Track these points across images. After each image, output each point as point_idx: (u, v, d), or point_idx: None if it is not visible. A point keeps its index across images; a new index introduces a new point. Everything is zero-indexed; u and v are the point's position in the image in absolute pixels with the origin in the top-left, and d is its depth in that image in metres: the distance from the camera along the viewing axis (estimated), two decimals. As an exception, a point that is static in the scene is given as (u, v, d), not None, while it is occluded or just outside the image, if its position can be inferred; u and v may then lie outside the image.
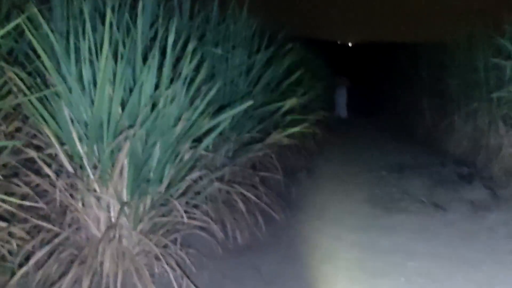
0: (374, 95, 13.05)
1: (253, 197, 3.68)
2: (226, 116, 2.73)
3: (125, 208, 2.36)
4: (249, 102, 2.87)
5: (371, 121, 11.61)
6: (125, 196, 2.38)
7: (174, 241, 2.55)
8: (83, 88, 2.37)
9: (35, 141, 2.50)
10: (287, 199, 4.59)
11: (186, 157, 2.61)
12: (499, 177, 5.32)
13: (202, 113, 2.65)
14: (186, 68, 2.56)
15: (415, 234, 3.83)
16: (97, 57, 2.37)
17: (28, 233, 2.39)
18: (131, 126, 2.35)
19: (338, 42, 17.50)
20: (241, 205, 3.46)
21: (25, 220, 2.35)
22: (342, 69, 13.44)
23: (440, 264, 3.24)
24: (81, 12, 2.44)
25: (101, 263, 2.36)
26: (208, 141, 2.76)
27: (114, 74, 2.33)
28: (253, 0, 4.25)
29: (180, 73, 2.59)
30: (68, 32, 2.42)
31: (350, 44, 18.26)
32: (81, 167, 2.39)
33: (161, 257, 2.38)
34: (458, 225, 4.03)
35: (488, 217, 4.21)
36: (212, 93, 2.70)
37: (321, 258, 3.33)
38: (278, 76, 4.32)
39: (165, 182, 2.51)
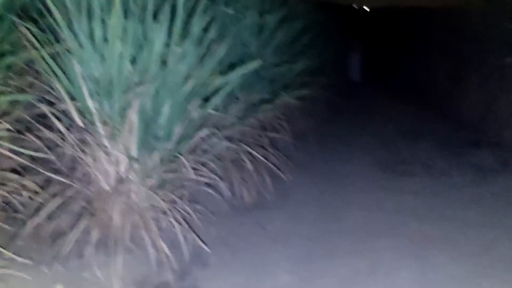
0: (388, 60, 12.90)
1: (261, 157, 3.73)
2: (235, 76, 2.75)
3: (134, 163, 2.42)
4: (258, 62, 2.87)
5: (384, 86, 11.52)
6: (134, 152, 2.44)
7: (182, 197, 2.61)
8: (94, 44, 2.40)
9: (47, 97, 2.54)
10: (295, 160, 4.63)
11: (195, 115, 2.64)
12: (508, 143, 5.31)
13: (212, 72, 2.67)
14: (197, 26, 2.57)
15: (420, 196, 3.88)
16: (108, 14, 2.39)
17: (39, 186, 2.46)
18: (141, 83, 2.38)
19: (355, 6, 17.17)
20: (249, 164, 3.51)
21: (37, 173, 2.42)
22: (357, 34, 13.27)
23: (442, 226, 3.30)
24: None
25: (110, 216, 2.44)
26: (217, 99, 2.79)
27: (125, 31, 2.35)
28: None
29: (190, 32, 2.60)
30: (79, -11, 2.43)
31: (367, 9, 17.93)
32: (92, 123, 2.44)
33: (168, 212, 2.46)
34: (463, 189, 4.07)
35: (494, 182, 4.24)
36: (222, 52, 2.71)
37: (326, 218, 3.41)
38: (290, 38, 4.30)
39: (174, 139, 2.56)
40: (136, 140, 2.43)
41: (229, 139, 3.46)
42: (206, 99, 2.78)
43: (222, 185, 3.36)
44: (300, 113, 6.23)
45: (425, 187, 4.11)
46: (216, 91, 2.84)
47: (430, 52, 9.36)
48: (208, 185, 2.93)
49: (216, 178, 2.83)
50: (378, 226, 3.29)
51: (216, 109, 3.15)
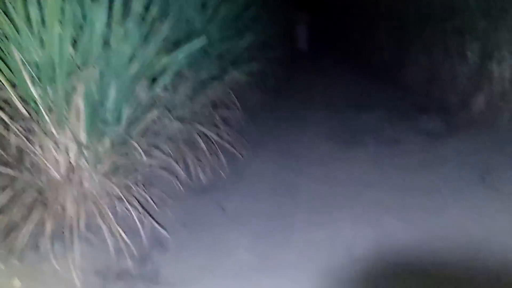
0: (335, 30, 13.01)
1: (214, 136, 3.70)
2: (181, 54, 2.68)
3: (84, 150, 2.34)
4: (203, 39, 2.81)
5: (331, 55, 11.61)
6: (83, 138, 2.36)
7: (136, 182, 2.56)
8: (31, 28, 2.29)
9: (-15, 86, 2.42)
10: (248, 137, 4.63)
11: (143, 96, 2.57)
12: (454, 107, 5.46)
13: (157, 51, 2.60)
14: (138, 4, 2.48)
15: (371, 165, 3.94)
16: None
17: (-14, 180, 2.35)
18: (84, 66, 2.29)
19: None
20: (202, 144, 3.48)
21: (-19, 166, 2.31)
22: (305, 4, 13.27)
23: (394, 193, 3.35)
24: None
25: (64, 206, 2.36)
26: (164, 79, 2.72)
27: (63, 12, 2.24)
28: None
29: (131, 10, 2.51)
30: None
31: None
32: (36, 111, 2.34)
33: (123, 197, 2.40)
34: (412, 155, 4.16)
35: (442, 147, 4.35)
36: (165, 30, 2.64)
37: (282, 193, 3.41)
38: (234, 13, 4.24)
39: (123, 122, 2.49)
40: (84, 126, 2.34)
41: (180, 119, 3.41)
42: (154, 80, 2.71)
43: (177, 167, 3.33)
44: (250, 88, 6.23)
45: (376, 156, 4.18)
46: (163, 71, 2.77)
47: (374, 20, 9.47)
48: (162, 167, 2.89)
49: (170, 159, 2.77)
50: (334, 197, 3.33)
51: (165, 89, 3.09)
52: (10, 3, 2.26)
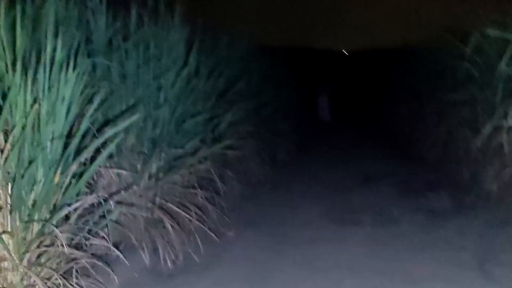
0: (357, 102, 12.98)
1: (189, 216, 3.50)
2: (110, 133, 2.46)
3: (9, 238, 2.17)
4: (135, 116, 2.63)
5: (351, 127, 11.43)
6: (8, 226, 2.19)
7: (69, 273, 2.34)
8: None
9: None
10: (238, 215, 4.42)
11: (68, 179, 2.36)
12: (464, 183, 5.12)
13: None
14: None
15: (362, 248, 3.64)
16: None
17: None
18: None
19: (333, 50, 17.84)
20: (171, 226, 3.28)
21: None
22: (327, 77, 13.33)
23: (380, 281, 3.05)
24: None
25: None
26: (99, 161, 2.48)
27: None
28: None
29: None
30: None
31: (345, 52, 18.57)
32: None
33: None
34: (410, 238, 3.83)
35: (444, 227, 4.02)
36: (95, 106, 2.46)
37: (254, 279, 3.13)
38: (219, 86, 4.12)
39: (50, 208, 2.30)
40: (9, 213, 2.17)
41: (147, 199, 3.25)
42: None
43: (141, 252, 3.14)
44: (258, 162, 6.07)
45: (370, 237, 3.87)
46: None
47: (395, 92, 9.34)
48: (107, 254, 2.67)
49: (109, 246, 2.54)
50: (313, 284, 3.04)
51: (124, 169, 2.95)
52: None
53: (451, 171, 5.58)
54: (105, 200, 2.44)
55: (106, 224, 2.46)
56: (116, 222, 2.82)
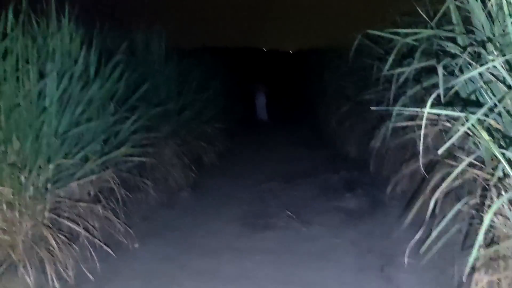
0: (291, 99, 13.02)
1: (83, 231, 3.30)
2: None
3: None
4: None
5: (286, 125, 11.41)
6: None
7: None
8: None
9: None
10: (155, 223, 4.29)
11: None
12: (383, 182, 5.10)
13: None
14: None
15: (269, 255, 3.53)
16: None
17: None
18: None
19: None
20: (54, 243, 3.06)
21: None
22: (261, 76, 13.26)
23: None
24: None
25: None
26: None
27: None
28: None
29: None
30: None
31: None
32: None
33: None
34: (319, 241, 3.77)
35: (355, 229, 3.98)
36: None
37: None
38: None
39: None
40: None
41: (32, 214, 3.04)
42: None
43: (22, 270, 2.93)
44: (181, 167, 5.88)
45: (278, 243, 3.77)
46: None
47: (323, 90, 9.37)
48: None
49: None
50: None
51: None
52: None
53: (374, 170, 5.55)
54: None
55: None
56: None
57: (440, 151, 1.81)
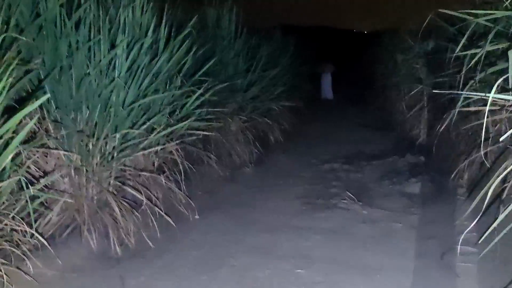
0: (361, 80, 12.76)
1: (146, 200, 3.39)
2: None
3: None
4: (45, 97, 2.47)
5: (353, 105, 11.24)
6: None
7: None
8: None
9: None
10: (218, 196, 4.39)
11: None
12: (450, 169, 4.92)
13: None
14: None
15: (325, 235, 3.51)
16: None
17: None
18: None
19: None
20: (118, 210, 3.17)
21: None
22: (329, 55, 13.11)
23: (333, 270, 2.94)
24: None
25: None
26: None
27: None
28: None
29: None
30: None
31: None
32: None
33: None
34: (379, 224, 3.70)
35: (417, 215, 3.87)
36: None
37: (203, 269, 3.00)
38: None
39: None
40: None
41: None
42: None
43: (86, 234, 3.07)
44: (246, 143, 5.93)
45: (338, 224, 3.73)
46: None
47: (395, 73, 9.13)
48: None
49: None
50: (264, 272, 2.93)
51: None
52: None
53: (439, 155, 5.36)
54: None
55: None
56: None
57: (502, 138, 1.71)
